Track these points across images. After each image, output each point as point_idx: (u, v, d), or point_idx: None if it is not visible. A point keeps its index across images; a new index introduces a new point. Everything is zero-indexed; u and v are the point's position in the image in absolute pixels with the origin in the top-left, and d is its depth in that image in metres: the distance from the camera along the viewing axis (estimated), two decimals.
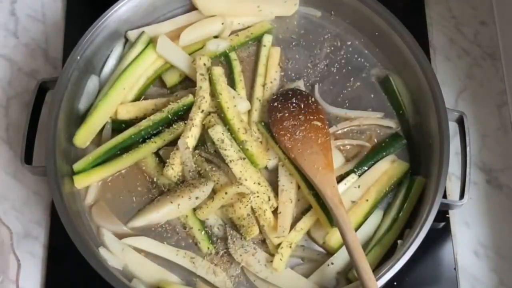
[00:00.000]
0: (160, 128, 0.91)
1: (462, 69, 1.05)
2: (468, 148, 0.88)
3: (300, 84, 0.96)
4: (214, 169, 0.88)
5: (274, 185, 0.89)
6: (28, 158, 0.88)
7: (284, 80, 0.98)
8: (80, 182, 0.88)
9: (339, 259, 0.85)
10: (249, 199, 0.85)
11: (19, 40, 1.08)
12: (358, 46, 1.00)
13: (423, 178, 0.88)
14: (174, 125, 0.91)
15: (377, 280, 0.76)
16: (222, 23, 0.98)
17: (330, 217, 0.83)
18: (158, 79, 0.98)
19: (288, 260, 0.85)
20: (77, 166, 0.89)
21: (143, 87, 0.96)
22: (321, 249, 0.87)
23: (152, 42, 0.97)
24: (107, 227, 0.87)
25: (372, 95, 0.97)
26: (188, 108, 0.91)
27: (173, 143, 0.90)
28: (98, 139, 0.93)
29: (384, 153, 0.91)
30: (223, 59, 0.99)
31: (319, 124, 0.90)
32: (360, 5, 0.97)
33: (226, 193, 0.85)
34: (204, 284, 0.85)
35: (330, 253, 0.86)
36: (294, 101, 0.92)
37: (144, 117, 0.92)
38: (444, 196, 0.86)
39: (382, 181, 0.89)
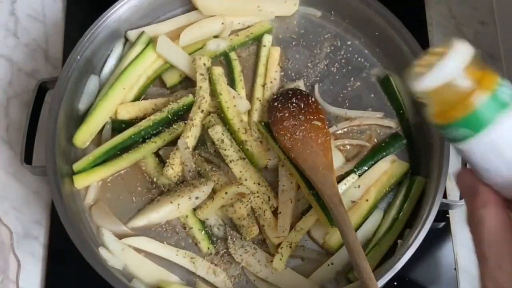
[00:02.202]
0: (160, 128, 0.91)
1: None
2: None
3: (300, 84, 0.96)
4: (214, 169, 0.88)
5: (274, 185, 0.89)
6: (28, 158, 0.88)
7: (284, 80, 0.98)
8: (80, 182, 0.88)
9: (339, 259, 0.85)
10: (249, 199, 0.85)
11: (19, 40, 1.08)
12: (358, 46, 1.00)
13: (423, 178, 0.88)
14: (174, 125, 0.91)
15: (377, 280, 0.76)
16: (222, 23, 0.98)
17: (330, 217, 0.83)
18: (158, 79, 0.98)
19: (288, 260, 0.85)
20: (77, 166, 0.89)
21: (143, 87, 0.96)
22: (321, 249, 0.87)
23: (152, 42, 0.97)
24: (107, 227, 0.87)
25: (372, 95, 0.97)
26: (188, 108, 0.91)
27: (173, 143, 0.90)
28: (98, 139, 0.93)
29: (384, 153, 0.91)
30: (223, 59, 0.99)
31: (319, 124, 0.90)
32: (360, 5, 0.97)
33: (226, 193, 0.85)
34: (204, 284, 0.85)
35: (330, 253, 0.86)
36: (294, 101, 0.91)
37: (144, 117, 0.92)
38: (444, 196, 0.86)
39: (382, 181, 0.89)
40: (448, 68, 0.43)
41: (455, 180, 0.53)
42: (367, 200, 0.88)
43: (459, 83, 0.44)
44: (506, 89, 0.44)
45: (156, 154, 0.91)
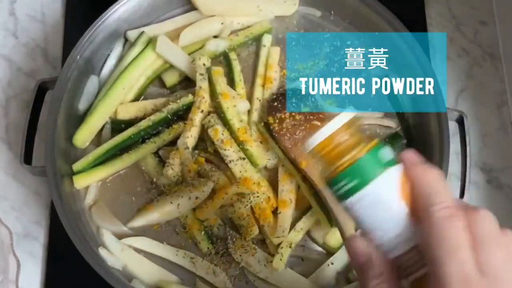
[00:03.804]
0: (160, 128, 0.91)
1: (462, 69, 1.05)
2: (468, 148, 0.87)
3: (300, 84, 0.96)
4: (214, 169, 0.88)
5: (274, 185, 0.89)
6: (27, 158, 0.88)
7: (284, 80, 0.98)
8: (79, 182, 0.88)
9: (339, 259, 0.85)
10: (249, 199, 0.85)
11: (18, 40, 1.08)
12: (358, 46, 1.00)
13: None
14: (174, 125, 0.91)
15: None
16: (222, 23, 0.98)
17: (330, 217, 0.83)
18: (158, 79, 0.98)
19: (288, 260, 0.85)
20: (76, 166, 0.89)
21: (142, 87, 0.96)
22: (321, 249, 0.87)
23: (152, 42, 0.97)
24: (107, 227, 0.87)
25: (372, 95, 0.97)
26: (188, 108, 0.91)
27: (173, 143, 0.90)
28: (98, 139, 0.93)
29: None
30: (223, 59, 0.99)
31: (319, 124, 0.90)
32: (360, 5, 0.97)
33: (226, 193, 0.85)
34: (204, 284, 0.85)
35: (330, 253, 0.86)
36: (294, 101, 0.91)
37: (144, 117, 0.92)
38: None
39: None
40: (332, 124, 0.50)
41: (346, 247, 0.53)
42: None
43: (344, 138, 0.50)
44: (387, 149, 0.49)
45: (156, 154, 0.91)
